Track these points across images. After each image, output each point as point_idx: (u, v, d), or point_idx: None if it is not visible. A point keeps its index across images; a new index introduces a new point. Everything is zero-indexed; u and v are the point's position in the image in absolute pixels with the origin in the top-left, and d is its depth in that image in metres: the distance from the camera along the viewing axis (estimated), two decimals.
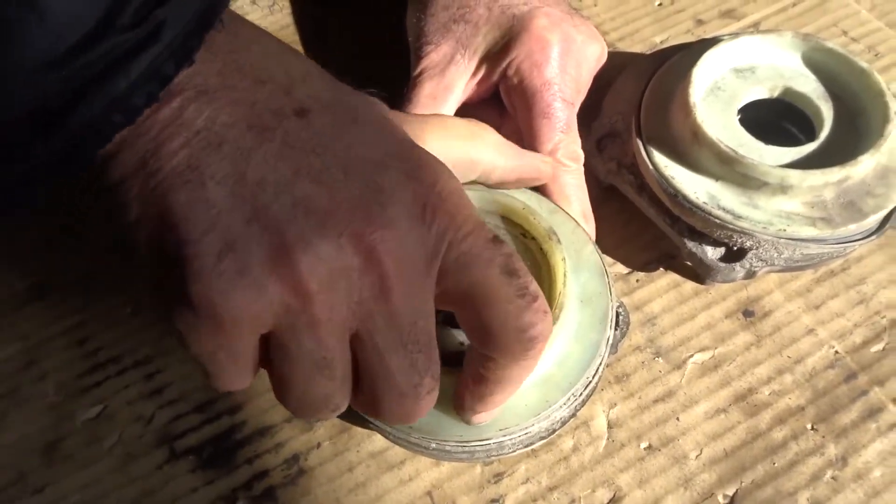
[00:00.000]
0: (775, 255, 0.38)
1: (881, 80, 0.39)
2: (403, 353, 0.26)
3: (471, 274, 0.26)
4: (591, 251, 0.37)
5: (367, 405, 0.28)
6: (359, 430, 0.38)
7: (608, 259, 0.43)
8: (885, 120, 0.38)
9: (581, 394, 0.34)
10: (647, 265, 0.43)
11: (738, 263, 0.39)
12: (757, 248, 0.38)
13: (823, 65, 0.42)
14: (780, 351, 0.40)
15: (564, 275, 0.33)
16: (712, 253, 0.39)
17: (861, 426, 0.37)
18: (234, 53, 0.26)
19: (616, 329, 0.36)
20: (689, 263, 0.41)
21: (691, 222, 0.39)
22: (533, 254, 0.36)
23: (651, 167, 0.39)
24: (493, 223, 0.37)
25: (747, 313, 0.41)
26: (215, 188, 0.24)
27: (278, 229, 0.24)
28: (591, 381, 0.34)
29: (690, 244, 0.40)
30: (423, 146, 0.29)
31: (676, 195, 0.38)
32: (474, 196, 0.36)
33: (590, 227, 0.39)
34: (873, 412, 0.38)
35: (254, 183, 0.25)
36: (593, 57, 0.42)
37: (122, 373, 0.40)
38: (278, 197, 0.25)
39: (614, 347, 0.36)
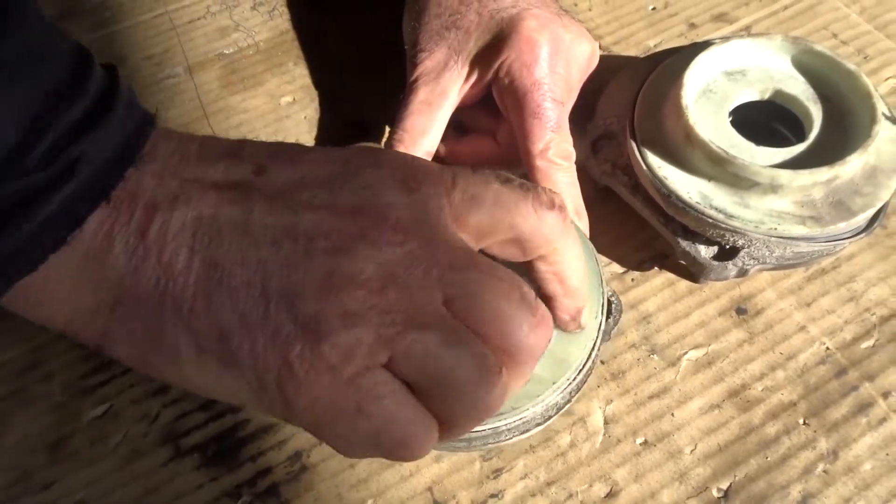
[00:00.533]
0: (767, 253, 0.39)
1: (868, 81, 0.40)
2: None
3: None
4: (583, 245, 0.38)
5: (455, 418, 0.27)
6: None
7: (603, 259, 0.44)
8: (873, 121, 0.38)
9: (575, 378, 0.34)
10: (642, 264, 0.44)
11: (730, 262, 0.39)
12: (749, 247, 0.39)
13: (813, 67, 0.42)
14: (772, 347, 0.41)
15: None
16: (705, 252, 0.40)
17: (852, 420, 0.38)
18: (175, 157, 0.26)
19: (609, 317, 0.36)
20: (682, 262, 0.42)
21: (684, 222, 0.40)
22: None
23: (645, 168, 0.40)
24: None
25: (740, 311, 0.42)
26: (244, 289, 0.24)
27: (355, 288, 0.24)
28: (584, 366, 0.35)
29: (684, 243, 0.40)
30: None
31: (670, 195, 0.39)
32: None
33: (583, 223, 0.40)
34: (864, 407, 0.38)
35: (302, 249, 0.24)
36: (583, 56, 0.43)
37: (126, 372, 0.41)
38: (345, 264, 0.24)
39: (607, 335, 0.37)
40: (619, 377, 0.40)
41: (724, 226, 0.38)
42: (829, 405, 0.39)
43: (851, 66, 0.41)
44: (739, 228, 0.38)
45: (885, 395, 0.39)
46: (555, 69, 0.41)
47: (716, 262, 0.40)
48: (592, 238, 0.39)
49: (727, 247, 0.40)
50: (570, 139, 0.41)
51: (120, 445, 0.38)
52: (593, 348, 0.35)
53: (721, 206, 0.38)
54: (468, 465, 0.38)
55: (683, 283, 0.43)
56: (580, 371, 0.34)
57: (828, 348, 0.40)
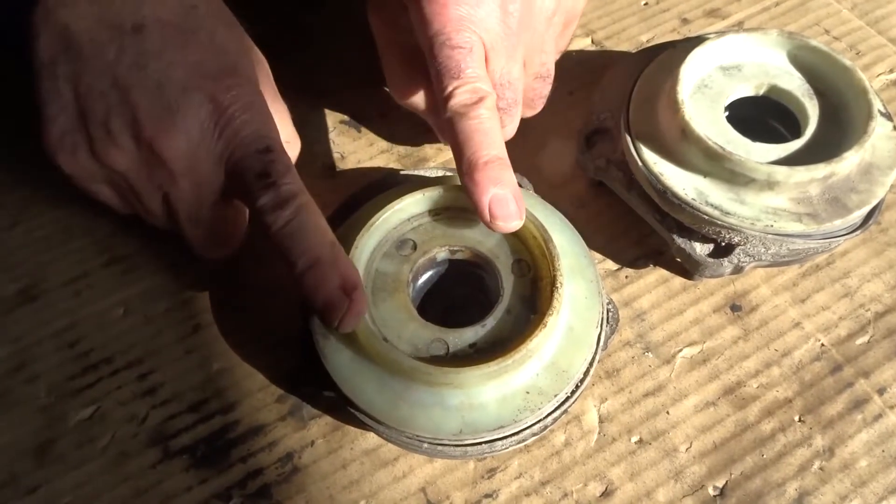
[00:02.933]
0: (762, 250, 0.38)
1: (864, 77, 0.40)
2: (190, 227, 0.38)
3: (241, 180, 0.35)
4: (583, 255, 0.37)
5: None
6: (352, 428, 0.38)
7: (597, 255, 0.44)
8: (869, 117, 0.38)
9: (572, 392, 0.34)
10: (636, 261, 0.44)
11: (725, 259, 0.39)
12: (745, 244, 0.39)
13: (808, 62, 0.42)
14: (767, 344, 0.40)
15: (560, 282, 0.34)
16: (700, 249, 0.40)
17: (847, 417, 0.38)
18: None
19: (606, 326, 0.36)
20: (678, 259, 0.41)
21: (680, 218, 0.39)
22: (529, 251, 0.36)
23: (640, 164, 0.40)
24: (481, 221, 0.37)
25: (735, 308, 0.42)
26: (64, 85, 0.35)
27: (97, 127, 0.35)
28: (582, 380, 0.34)
29: (679, 240, 0.40)
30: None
31: (665, 192, 0.39)
32: (459, 194, 0.37)
33: (500, 172, 0.35)
34: (859, 403, 0.38)
35: (86, 86, 0.35)
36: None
37: (114, 374, 0.40)
38: (98, 102, 0.35)
39: (604, 344, 0.36)
40: (613, 375, 0.40)
41: (720, 223, 0.38)
42: (825, 402, 0.39)
43: (847, 61, 0.40)
44: (735, 225, 0.37)
45: (881, 391, 0.39)
46: (455, 16, 0.35)
47: (711, 259, 0.39)
48: (586, 235, 0.39)
49: (723, 244, 0.39)
50: (478, 85, 0.35)
51: (107, 448, 0.38)
52: (593, 359, 0.34)
53: (717, 202, 0.38)
54: (462, 465, 0.37)
55: (678, 280, 0.43)
56: (578, 385, 0.34)
57: (823, 344, 0.40)
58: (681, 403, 0.39)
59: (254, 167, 0.35)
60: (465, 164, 0.34)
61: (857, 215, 0.38)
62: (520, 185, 0.41)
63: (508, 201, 0.34)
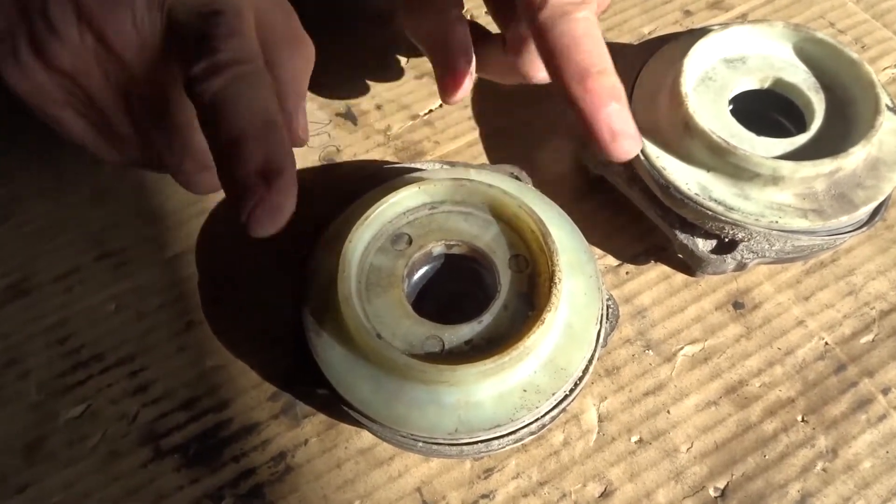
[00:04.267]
0: (766, 246, 0.38)
1: (871, 70, 0.39)
2: (162, 139, 0.32)
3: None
4: (582, 250, 0.36)
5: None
6: (346, 427, 0.38)
7: (598, 251, 0.43)
8: (876, 111, 0.37)
9: (571, 391, 0.33)
10: (637, 257, 0.43)
11: (729, 255, 0.38)
12: (748, 240, 0.38)
13: (814, 55, 0.41)
14: (770, 343, 0.40)
15: (559, 278, 0.33)
16: (703, 245, 0.39)
17: (851, 417, 0.37)
18: None
19: (605, 323, 0.35)
20: (680, 255, 0.40)
21: (683, 214, 0.38)
22: (527, 246, 0.35)
23: (642, 158, 0.39)
24: (481, 215, 0.36)
25: (737, 305, 0.41)
26: None
27: (36, 19, 0.30)
28: (580, 378, 0.33)
29: (682, 236, 0.39)
30: None
31: (668, 186, 0.38)
32: (455, 187, 0.36)
33: (613, 81, 0.30)
34: (863, 403, 0.38)
35: None
36: None
37: (105, 371, 0.39)
38: None
39: (604, 341, 0.35)
40: (613, 373, 0.39)
41: (723, 218, 0.37)
42: (828, 402, 0.38)
43: (854, 54, 0.39)
44: (740, 221, 0.37)
45: (885, 391, 0.38)
46: None
47: (714, 256, 0.39)
48: (585, 230, 0.38)
49: (726, 240, 0.38)
50: None
51: (98, 446, 0.37)
52: (592, 357, 0.34)
53: (720, 197, 0.37)
54: (458, 464, 0.36)
55: (679, 277, 0.42)
56: (576, 383, 0.33)
57: (827, 343, 0.40)
58: (682, 403, 0.38)
59: (193, 33, 0.29)
60: (573, 73, 0.29)
61: (864, 212, 0.37)
62: (518, 179, 0.40)
63: (630, 119, 0.29)
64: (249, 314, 0.41)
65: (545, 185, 0.41)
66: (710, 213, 0.37)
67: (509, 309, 0.34)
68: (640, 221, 0.43)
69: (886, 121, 0.38)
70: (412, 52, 0.52)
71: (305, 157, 0.47)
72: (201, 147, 0.32)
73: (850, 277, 0.42)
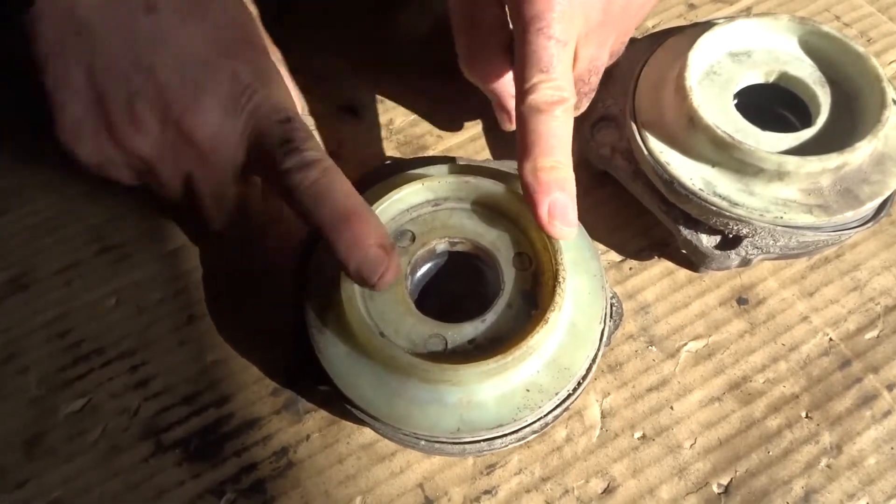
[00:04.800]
0: (771, 242, 0.37)
1: (878, 64, 0.39)
2: (213, 207, 0.38)
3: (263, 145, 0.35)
4: (586, 248, 0.36)
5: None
6: (348, 423, 0.37)
7: (601, 247, 0.43)
8: (882, 105, 0.37)
9: (574, 390, 0.33)
10: (640, 252, 0.42)
11: (733, 251, 0.38)
12: (753, 236, 0.37)
13: (820, 49, 0.41)
14: (774, 338, 0.39)
15: (563, 277, 0.33)
16: (707, 240, 0.39)
17: (855, 413, 0.37)
18: None
19: (609, 321, 0.35)
20: (683, 251, 0.40)
21: (687, 209, 0.38)
22: (531, 244, 0.35)
23: (646, 153, 0.39)
24: (485, 213, 0.36)
25: (741, 301, 0.41)
26: (75, 69, 0.34)
27: (119, 111, 0.34)
28: (584, 377, 0.33)
29: (685, 231, 0.39)
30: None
31: (672, 182, 0.38)
32: (459, 185, 0.36)
33: (569, 194, 0.33)
34: (868, 399, 0.37)
35: (101, 70, 0.34)
36: None
37: (105, 365, 0.39)
38: (117, 85, 0.34)
39: (607, 339, 0.35)
40: (616, 369, 0.39)
41: (728, 214, 0.36)
42: (833, 398, 0.38)
43: (860, 48, 0.39)
44: (744, 217, 0.36)
45: (890, 387, 0.38)
46: (560, 2, 0.33)
47: (718, 252, 0.38)
48: (588, 225, 0.38)
49: (730, 235, 0.38)
50: (563, 85, 0.33)
51: (98, 441, 0.37)
52: (596, 356, 0.34)
53: (725, 193, 0.37)
54: (460, 460, 0.36)
55: (683, 273, 0.42)
56: (580, 382, 0.33)
57: (831, 339, 0.39)
58: (685, 398, 0.38)
59: (276, 136, 0.34)
60: (530, 162, 0.33)
61: (870, 207, 0.37)
62: None
63: (569, 208, 0.33)
64: (251, 309, 0.40)
65: None
66: (714, 208, 0.37)
67: (513, 308, 0.33)
68: (644, 217, 0.42)
69: (893, 115, 0.38)
70: (414, 46, 0.51)
71: None
72: (244, 209, 0.39)
73: (855, 273, 0.41)
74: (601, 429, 0.37)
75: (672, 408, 0.38)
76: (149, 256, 0.42)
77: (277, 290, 0.40)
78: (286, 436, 0.37)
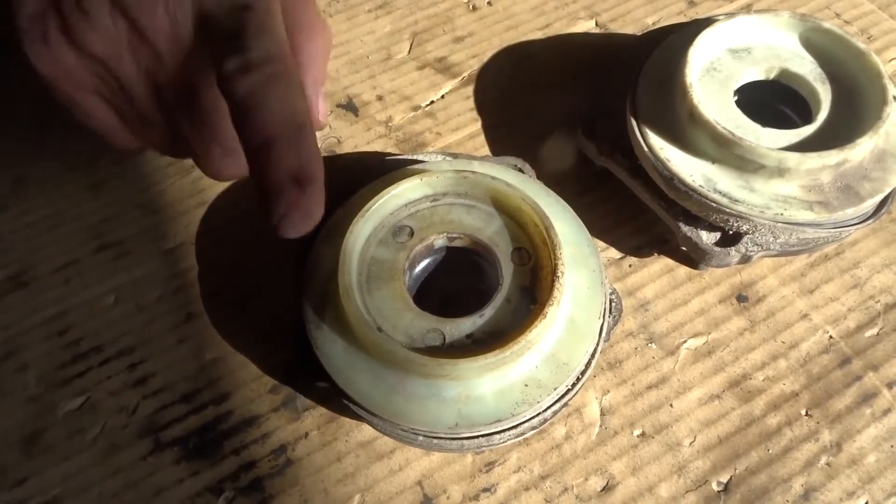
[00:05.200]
0: (771, 239, 0.37)
1: (879, 61, 0.38)
2: (189, 125, 0.32)
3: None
4: (585, 244, 0.36)
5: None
6: (347, 420, 0.37)
7: (600, 244, 0.42)
8: (883, 102, 0.37)
9: (573, 385, 0.33)
10: (640, 250, 0.42)
11: (733, 248, 0.38)
12: (753, 233, 0.37)
13: (820, 46, 0.41)
14: (774, 336, 0.39)
15: (562, 272, 0.32)
16: (707, 237, 0.39)
17: (855, 411, 0.37)
18: None
19: (609, 316, 0.35)
20: (683, 248, 0.40)
21: (687, 206, 0.38)
22: (530, 239, 0.35)
23: (646, 149, 0.38)
24: (484, 208, 0.36)
25: (741, 298, 0.41)
26: None
27: (71, 7, 0.30)
28: (583, 372, 0.33)
29: (685, 228, 0.39)
30: None
31: (672, 178, 0.38)
32: (458, 179, 0.36)
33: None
34: (868, 397, 0.37)
35: None
36: None
37: (104, 363, 0.39)
38: None
39: (607, 335, 0.35)
40: (616, 367, 0.39)
41: (728, 210, 0.36)
42: (833, 395, 0.37)
43: (861, 44, 0.39)
44: (744, 213, 0.36)
45: (890, 385, 0.38)
46: None
47: (718, 249, 0.38)
48: (588, 222, 0.37)
49: (730, 232, 0.38)
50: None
51: (97, 439, 0.37)
52: (595, 352, 0.33)
53: (725, 189, 0.37)
54: (459, 458, 0.36)
55: (683, 270, 0.42)
56: (579, 378, 0.33)
57: (831, 337, 0.39)
58: (685, 396, 0.38)
59: (224, 29, 0.29)
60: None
61: (870, 204, 0.37)
62: (521, 171, 0.40)
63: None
64: (249, 306, 0.40)
65: (548, 178, 0.41)
66: (714, 205, 0.36)
67: (511, 303, 0.33)
68: (643, 214, 0.42)
69: (893, 112, 0.37)
70: (414, 43, 0.51)
71: None
72: (228, 133, 0.32)
73: (855, 270, 0.41)
74: (600, 426, 0.37)
75: (672, 405, 0.38)
76: (147, 254, 0.42)
77: (276, 286, 0.40)
78: (285, 433, 0.37)
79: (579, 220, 0.37)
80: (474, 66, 0.50)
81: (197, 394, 0.38)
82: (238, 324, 0.40)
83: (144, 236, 0.43)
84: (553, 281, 0.32)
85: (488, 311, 0.33)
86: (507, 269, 0.34)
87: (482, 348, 0.31)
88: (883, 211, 0.38)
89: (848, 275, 0.41)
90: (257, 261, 0.41)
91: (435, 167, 0.38)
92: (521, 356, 0.32)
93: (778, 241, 0.37)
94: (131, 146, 0.35)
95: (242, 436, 0.37)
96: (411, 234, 0.36)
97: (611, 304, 0.36)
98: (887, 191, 0.37)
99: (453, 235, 0.36)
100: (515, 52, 0.51)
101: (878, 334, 0.39)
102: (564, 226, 0.36)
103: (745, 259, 0.39)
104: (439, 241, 0.36)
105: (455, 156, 0.41)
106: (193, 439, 0.37)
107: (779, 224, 0.36)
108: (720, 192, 0.36)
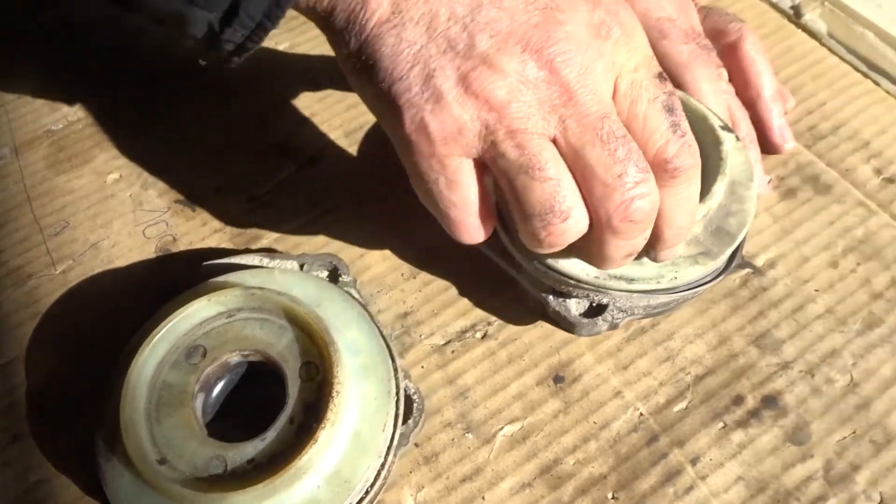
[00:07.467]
0: (631, 305, 0.38)
1: (699, 103, 0.40)
2: (600, 145, 0.30)
3: (636, 106, 0.31)
4: (377, 351, 0.36)
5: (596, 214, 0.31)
6: None
7: (425, 330, 0.43)
8: (717, 141, 0.38)
9: (359, 501, 0.33)
10: (463, 333, 0.43)
11: (600, 317, 0.39)
12: (615, 301, 0.38)
13: None
14: (586, 417, 0.40)
15: (337, 391, 0.33)
16: (575, 309, 0.40)
17: (659, 491, 0.38)
18: None
19: (400, 425, 0.35)
20: (554, 320, 0.41)
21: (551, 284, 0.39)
22: (319, 352, 0.35)
23: (537, 264, 0.39)
24: (277, 321, 0.36)
25: (557, 379, 0.41)
26: (414, 28, 0.30)
27: (468, 54, 0.29)
28: (371, 486, 0.33)
29: (554, 302, 0.39)
30: None
31: (566, 278, 0.38)
32: (247, 297, 0.36)
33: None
34: (671, 476, 0.38)
35: (445, 18, 0.29)
36: None
37: None
38: (466, 26, 0.29)
39: (405, 438, 0.36)
40: (432, 460, 0.39)
41: (586, 287, 0.38)
42: (639, 475, 0.38)
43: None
44: (602, 287, 0.37)
45: (694, 461, 0.38)
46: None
47: (586, 319, 0.39)
48: (409, 309, 0.38)
49: (593, 304, 0.39)
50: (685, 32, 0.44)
51: None
52: (384, 464, 0.34)
53: (620, 273, 0.38)
54: None
55: (504, 353, 0.42)
56: (369, 489, 0.33)
57: (641, 414, 0.40)
58: (497, 487, 0.38)
59: (658, 100, 0.31)
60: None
61: (741, 237, 0.38)
62: (335, 269, 0.40)
63: None
64: (72, 425, 0.40)
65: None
66: (573, 282, 0.38)
67: (294, 422, 0.34)
68: (468, 294, 0.43)
69: (727, 142, 0.39)
70: (252, 128, 0.52)
71: (142, 249, 0.47)
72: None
73: (669, 342, 0.42)
74: None
75: (484, 497, 0.38)
76: None
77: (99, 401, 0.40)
78: None
79: (375, 326, 0.37)
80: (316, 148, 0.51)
81: None
82: (63, 442, 0.40)
83: None
84: (328, 399, 0.33)
85: (270, 434, 0.33)
86: (294, 386, 0.35)
87: (263, 474, 0.32)
88: (733, 264, 0.39)
89: (661, 347, 0.42)
90: (82, 377, 0.41)
91: (251, 272, 0.38)
92: (298, 481, 0.32)
93: (639, 305, 0.38)
94: (478, 237, 0.35)
95: None
96: (204, 353, 0.36)
97: (411, 405, 0.36)
98: (750, 220, 0.39)
99: (246, 352, 0.36)
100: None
101: (686, 408, 0.40)
102: (358, 334, 0.37)
103: (614, 326, 0.40)
104: (234, 358, 0.36)
105: (273, 256, 0.41)
106: None
107: (634, 294, 0.38)
108: (615, 277, 0.38)
